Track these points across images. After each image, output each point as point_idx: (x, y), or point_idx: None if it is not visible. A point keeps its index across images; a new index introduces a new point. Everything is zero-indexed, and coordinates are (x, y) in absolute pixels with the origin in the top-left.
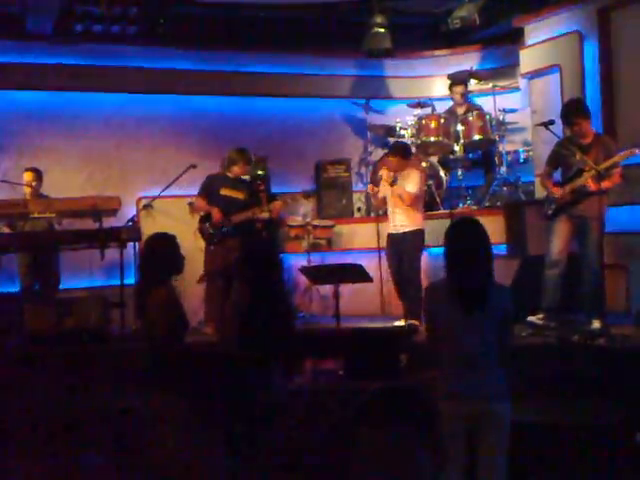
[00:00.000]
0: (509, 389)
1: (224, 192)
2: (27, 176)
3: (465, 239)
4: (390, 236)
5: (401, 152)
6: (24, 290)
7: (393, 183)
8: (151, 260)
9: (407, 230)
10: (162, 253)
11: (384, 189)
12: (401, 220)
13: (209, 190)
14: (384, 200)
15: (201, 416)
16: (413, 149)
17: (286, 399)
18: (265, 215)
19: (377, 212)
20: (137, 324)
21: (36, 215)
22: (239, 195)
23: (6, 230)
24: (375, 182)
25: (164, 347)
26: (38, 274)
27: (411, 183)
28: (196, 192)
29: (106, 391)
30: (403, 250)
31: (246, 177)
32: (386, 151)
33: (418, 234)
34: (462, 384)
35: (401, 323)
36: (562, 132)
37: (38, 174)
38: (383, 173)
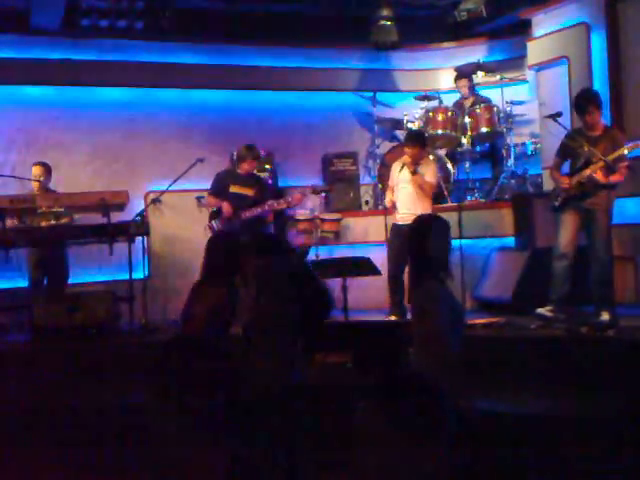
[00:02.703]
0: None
1: (233, 189)
2: (35, 170)
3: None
4: (398, 227)
5: (420, 141)
6: (33, 285)
7: (415, 172)
8: (211, 260)
9: None
10: (224, 253)
11: (394, 178)
12: (413, 210)
13: (219, 188)
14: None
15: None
16: None
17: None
18: (283, 206)
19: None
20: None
21: (44, 210)
22: (248, 192)
23: (16, 223)
24: (382, 177)
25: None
26: (47, 269)
27: (430, 174)
28: (204, 186)
29: (114, 386)
30: None
31: (255, 172)
32: (400, 142)
33: None
34: None
35: (392, 318)
36: (570, 124)
37: (47, 168)
38: (407, 161)
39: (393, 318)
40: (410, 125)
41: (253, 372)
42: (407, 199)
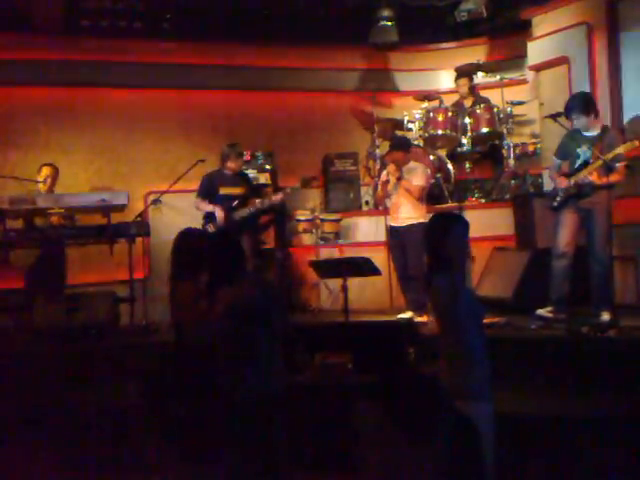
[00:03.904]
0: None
1: (224, 191)
2: (46, 171)
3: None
4: (393, 229)
5: (404, 146)
6: (31, 286)
7: (400, 178)
8: (178, 255)
9: (412, 223)
10: (189, 249)
11: (385, 186)
12: (405, 213)
13: (209, 190)
14: (385, 194)
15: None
16: (421, 142)
17: (283, 395)
18: (267, 205)
19: (383, 205)
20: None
21: (48, 211)
22: (238, 191)
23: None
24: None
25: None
26: (47, 270)
27: (418, 176)
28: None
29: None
30: (407, 243)
31: (244, 170)
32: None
33: (422, 227)
34: None
35: (406, 315)
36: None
37: (56, 170)
38: (390, 169)
39: (408, 315)
40: (410, 125)
41: (229, 378)
42: (401, 204)
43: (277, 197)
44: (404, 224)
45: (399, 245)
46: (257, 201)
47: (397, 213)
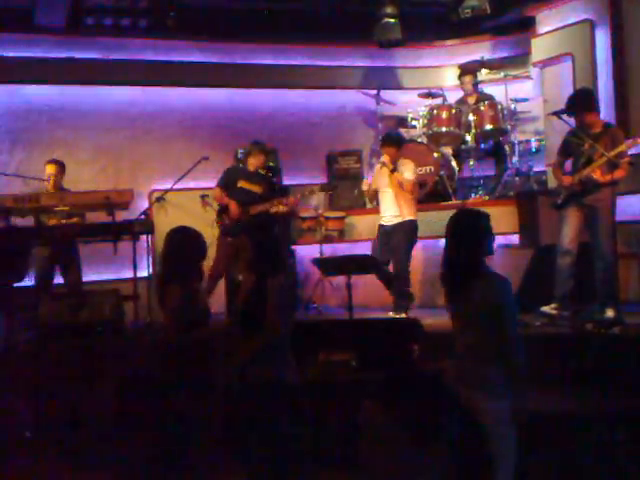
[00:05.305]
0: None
1: (241, 184)
2: (50, 168)
3: (448, 229)
4: (381, 227)
5: (397, 142)
6: (39, 284)
7: (394, 171)
8: (168, 255)
9: (397, 222)
10: (180, 249)
11: (377, 180)
12: (392, 211)
13: (228, 182)
14: (376, 192)
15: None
16: (425, 139)
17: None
18: (282, 209)
19: (372, 204)
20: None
21: (57, 209)
22: (256, 188)
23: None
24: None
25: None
26: (61, 268)
27: (408, 171)
28: (208, 184)
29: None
30: (393, 242)
31: (263, 171)
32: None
33: (409, 225)
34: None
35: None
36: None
37: (61, 166)
38: (385, 160)
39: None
40: (414, 122)
41: (235, 364)
42: (391, 202)
43: (293, 201)
44: (390, 223)
45: (384, 243)
46: (266, 205)
47: (384, 212)
